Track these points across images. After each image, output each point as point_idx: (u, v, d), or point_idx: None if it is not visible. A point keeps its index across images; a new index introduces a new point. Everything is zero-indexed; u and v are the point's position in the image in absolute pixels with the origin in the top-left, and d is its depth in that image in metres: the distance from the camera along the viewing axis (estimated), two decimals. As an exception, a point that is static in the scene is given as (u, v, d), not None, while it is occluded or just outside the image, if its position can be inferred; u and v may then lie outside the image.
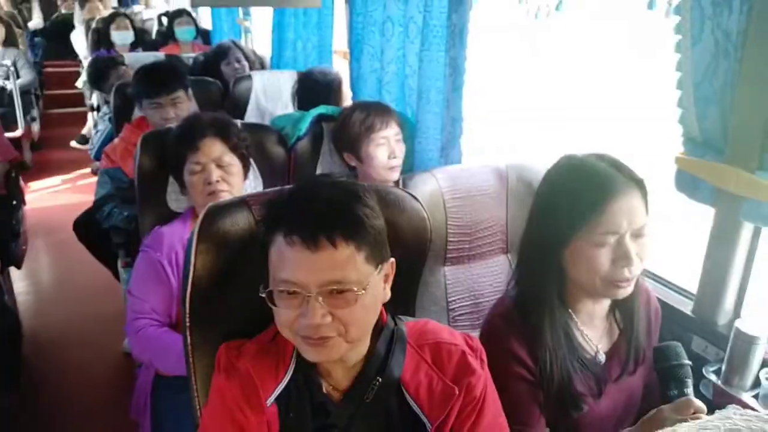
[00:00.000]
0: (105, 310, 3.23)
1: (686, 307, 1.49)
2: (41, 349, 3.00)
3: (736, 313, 1.41)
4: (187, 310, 1.08)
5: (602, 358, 1.27)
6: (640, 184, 1.15)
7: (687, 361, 1.15)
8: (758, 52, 1.16)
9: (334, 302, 0.93)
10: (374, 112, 2.04)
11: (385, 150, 2.01)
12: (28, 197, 4.24)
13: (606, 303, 1.27)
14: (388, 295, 1.03)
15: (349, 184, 1.00)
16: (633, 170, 1.16)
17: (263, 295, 0.96)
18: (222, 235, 1.07)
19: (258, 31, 4.71)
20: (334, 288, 0.92)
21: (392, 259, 1.03)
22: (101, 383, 2.76)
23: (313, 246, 0.90)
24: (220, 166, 1.73)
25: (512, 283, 1.31)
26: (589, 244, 1.13)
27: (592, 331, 1.27)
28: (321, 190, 0.96)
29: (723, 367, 1.31)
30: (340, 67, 3.02)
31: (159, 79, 2.49)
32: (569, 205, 1.14)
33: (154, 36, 5.61)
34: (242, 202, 1.11)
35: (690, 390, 1.12)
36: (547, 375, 1.19)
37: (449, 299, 1.58)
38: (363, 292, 0.94)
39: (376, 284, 0.98)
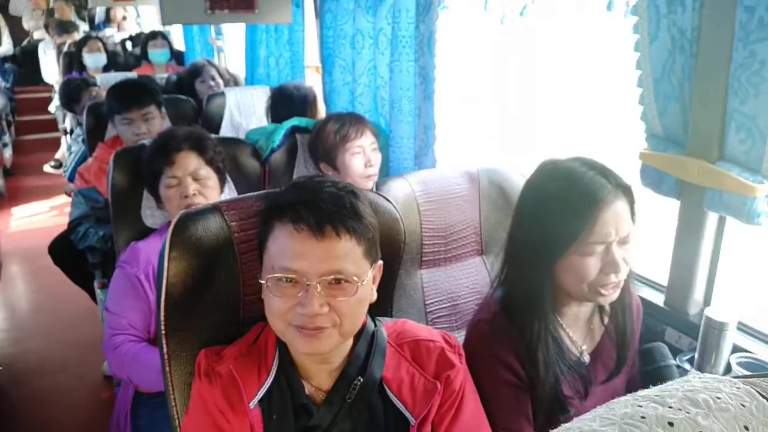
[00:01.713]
0: (83, 337, 3.18)
1: (658, 299, 1.52)
2: (18, 377, 2.93)
3: (707, 302, 1.44)
4: (162, 318, 1.08)
5: (587, 358, 1.27)
6: (627, 191, 1.15)
7: (672, 361, 1.19)
8: (711, 47, 1.20)
9: (333, 292, 0.96)
10: (348, 122, 2.06)
11: (361, 159, 2.03)
12: (2, 224, 4.18)
13: (590, 305, 1.27)
14: (375, 296, 1.06)
15: (347, 184, 1.03)
16: (620, 176, 1.15)
17: (263, 282, 0.98)
18: (194, 242, 1.07)
19: (230, 50, 4.74)
20: (334, 278, 0.95)
21: (381, 262, 1.06)
22: (80, 408, 2.70)
23: (320, 235, 0.93)
24: (196, 179, 1.74)
25: (496, 286, 1.29)
26: (579, 254, 1.13)
27: (576, 333, 1.28)
28: (323, 186, 0.99)
29: (696, 356, 1.33)
30: (313, 81, 3.05)
31: (130, 94, 2.50)
32: (560, 217, 1.13)
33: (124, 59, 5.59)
34: (214, 209, 1.12)
35: None
36: (539, 380, 1.18)
37: (427, 302, 1.59)
38: (361, 284, 0.97)
39: (369, 282, 1.01)
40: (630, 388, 1.35)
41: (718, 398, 0.50)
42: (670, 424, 0.46)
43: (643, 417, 0.47)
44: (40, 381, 2.89)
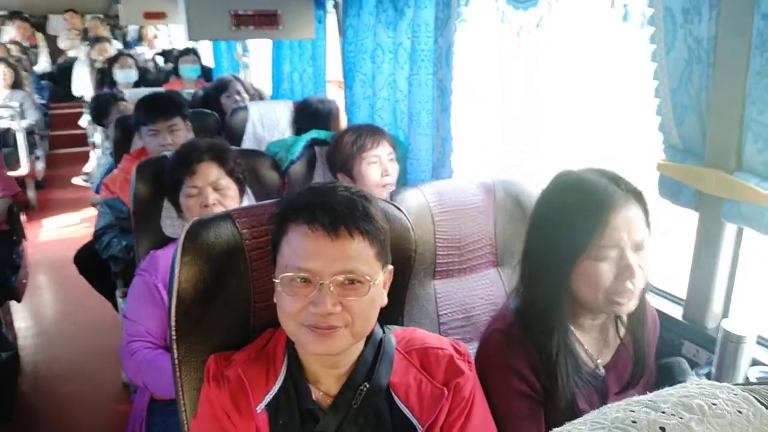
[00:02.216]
0: (106, 345, 3.23)
1: (677, 312, 1.49)
2: (40, 384, 2.99)
3: (725, 315, 1.41)
4: (173, 323, 1.09)
5: (602, 371, 1.26)
6: (639, 197, 1.15)
7: (693, 376, 1.17)
8: (728, 56, 1.18)
9: (345, 292, 0.97)
10: (365, 132, 2.09)
11: (377, 168, 2.05)
12: (31, 234, 4.30)
13: (604, 317, 1.26)
14: (386, 300, 1.07)
15: (360, 189, 1.05)
16: (632, 183, 1.15)
17: (276, 281, 1.00)
18: (206, 248, 1.09)
19: (257, 66, 4.83)
20: (346, 278, 0.97)
21: (391, 267, 1.07)
22: (101, 416, 2.74)
23: (334, 235, 0.95)
24: (216, 189, 1.76)
25: (512, 297, 1.28)
26: (592, 259, 1.12)
27: (591, 345, 1.27)
28: (337, 189, 1.01)
29: (713, 370, 1.30)
30: (335, 95, 3.09)
31: (158, 106, 2.57)
32: (572, 224, 1.13)
33: (155, 75, 5.74)
34: (226, 216, 1.14)
35: None
36: (556, 392, 1.17)
37: (440, 313, 1.58)
38: (373, 284, 0.98)
39: (380, 283, 1.02)
40: None
41: (714, 404, 0.49)
42: (662, 429, 0.45)
43: (634, 421, 0.46)
44: (62, 388, 2.94)
